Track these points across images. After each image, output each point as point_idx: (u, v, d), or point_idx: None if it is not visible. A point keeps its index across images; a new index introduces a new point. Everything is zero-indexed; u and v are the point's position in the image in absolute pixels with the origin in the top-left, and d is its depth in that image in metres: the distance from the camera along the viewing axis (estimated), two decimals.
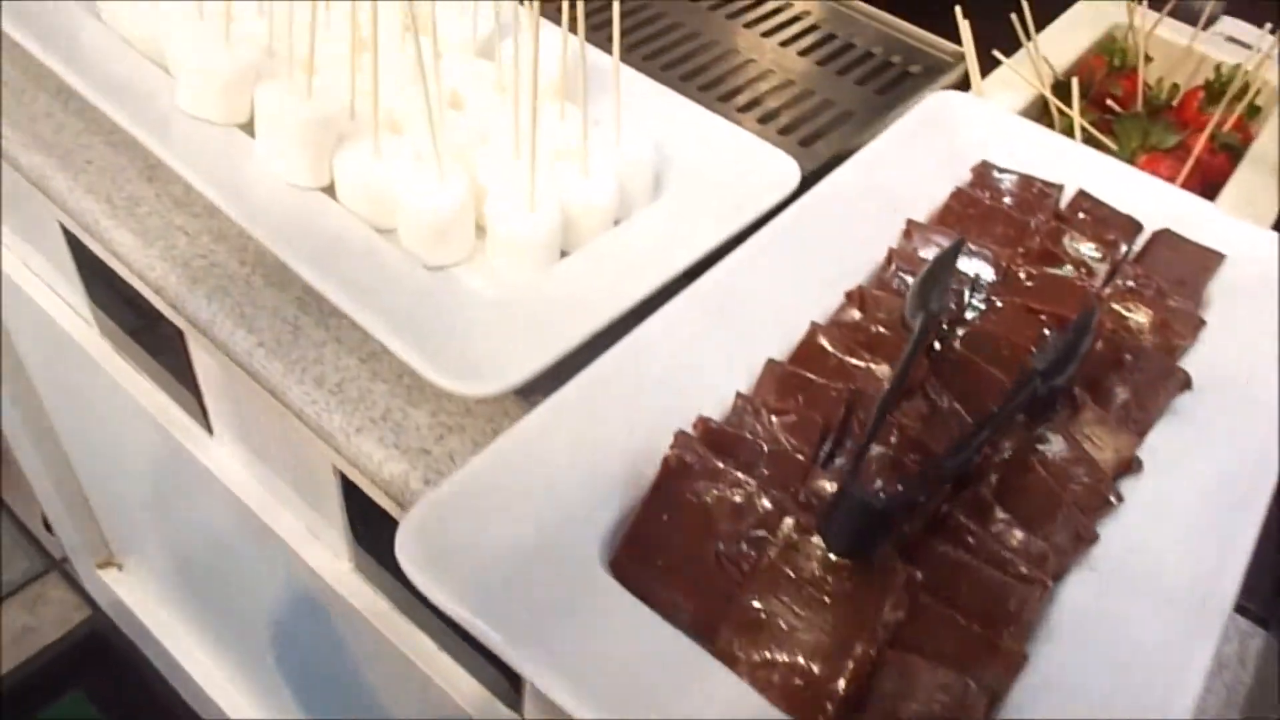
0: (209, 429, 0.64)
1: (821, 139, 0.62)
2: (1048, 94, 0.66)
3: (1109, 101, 0.68)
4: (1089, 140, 0.64)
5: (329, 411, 0.45)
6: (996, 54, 0.67)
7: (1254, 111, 0.69)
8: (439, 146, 0.47)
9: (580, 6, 0.47)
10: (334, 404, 0.45)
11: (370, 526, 0.54)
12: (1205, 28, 0.72)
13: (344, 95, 0.50)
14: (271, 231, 0.46)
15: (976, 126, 0.57)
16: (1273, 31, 0.70)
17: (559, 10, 0.46)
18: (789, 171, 0.52)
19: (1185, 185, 0.61)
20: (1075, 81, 0.61)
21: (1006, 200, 0.53)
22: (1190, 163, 0.60)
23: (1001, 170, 0.54)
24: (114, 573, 1.10)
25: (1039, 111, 0.68)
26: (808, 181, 0.52)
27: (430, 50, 0.51)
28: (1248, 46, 0.74)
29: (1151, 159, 0.63)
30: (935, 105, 0.57)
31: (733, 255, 0.47)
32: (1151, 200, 0.54)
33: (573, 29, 0.48)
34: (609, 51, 0.49)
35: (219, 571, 0.82)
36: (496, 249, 0.48)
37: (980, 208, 0.52)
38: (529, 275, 0.48)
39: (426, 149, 0.48)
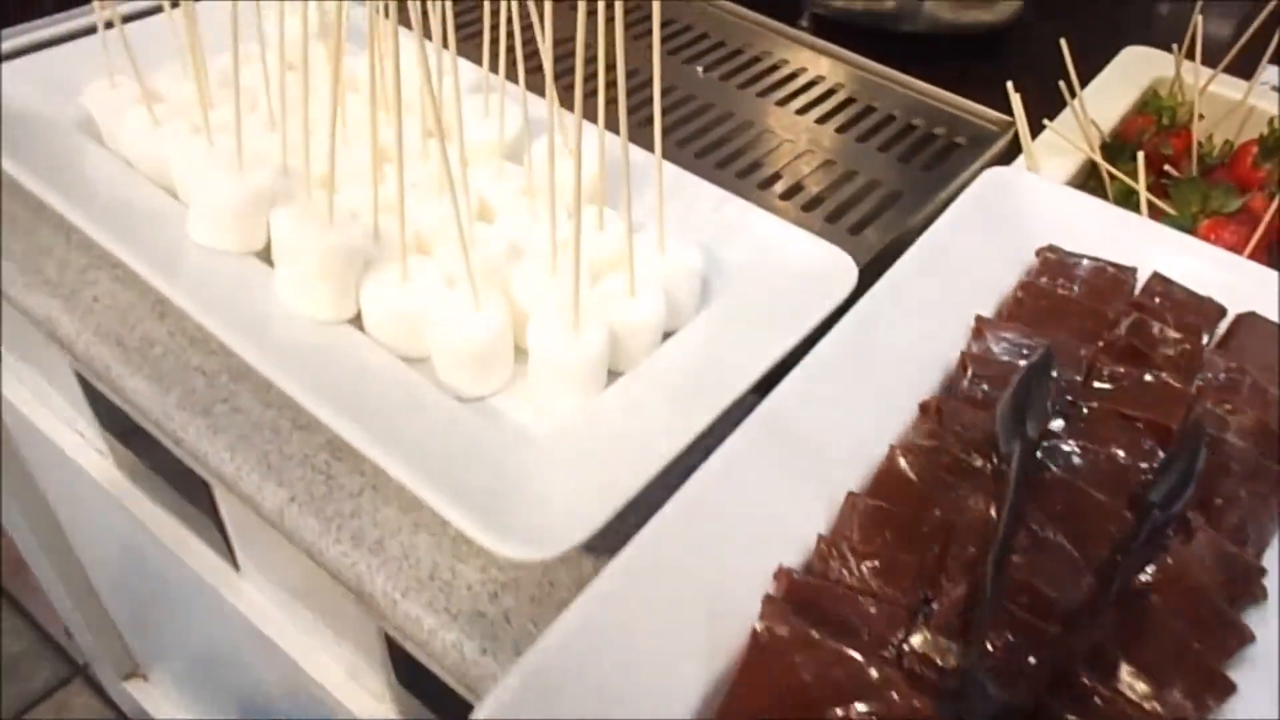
0: (235, 566, 0.60)
1: (871, 224, 0.58)
2: (1099, 160, 0.62)
3: (1165, 166, 0.65)
4: (1149, 208, 0.61)
5: (371, 573, 0.41)
6: (1042, 120, 0.64)
7: None
8: (471, 267, 0.44)
9: (623, 102, 0.44)
10: (376, 565, 0.41)
11: (415, 670, 0.51)
12: (1250, 78, 0.69)
13: (366, 214, 0.47)
14: (294, 376, 0.42)
15: (1035, 205, 0.54)
16: None
17: (592, 104, 0.43)
18: (845, 269, 0.49)
19: (1253, 252, 0.58)
20: (1141, 157, 0.57)
21: (1078, 289, 0.49)
22: (1261, 230, 0.57)
23: (1069, 255, 0.51)
24: (139, 683, 1.05)
25: (1087, 174, 0.65)
26: (864, 274, 0.49)
27: (457, 159, 0.48)
28: None
29: (1214, 225, 0.60)
30: (990, 184, 0.54)
31: (794, 374, 0.43)
32: (1225, 276, 0.51)
33: (611, 125, 0.44)
34: (640, 142, 0.46)
35: (248, 689, 0.78)
36: (540, 376, 0.45)
37: (1052, 299, 0.49)
38: (576, 402, 0.44)
39: (458, 270, 0.45)
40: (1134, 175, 0.64)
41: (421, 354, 0.46)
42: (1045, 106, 0.63)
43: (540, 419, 0.44)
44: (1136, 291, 0.50)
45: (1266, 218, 0.57)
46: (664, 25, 0.75)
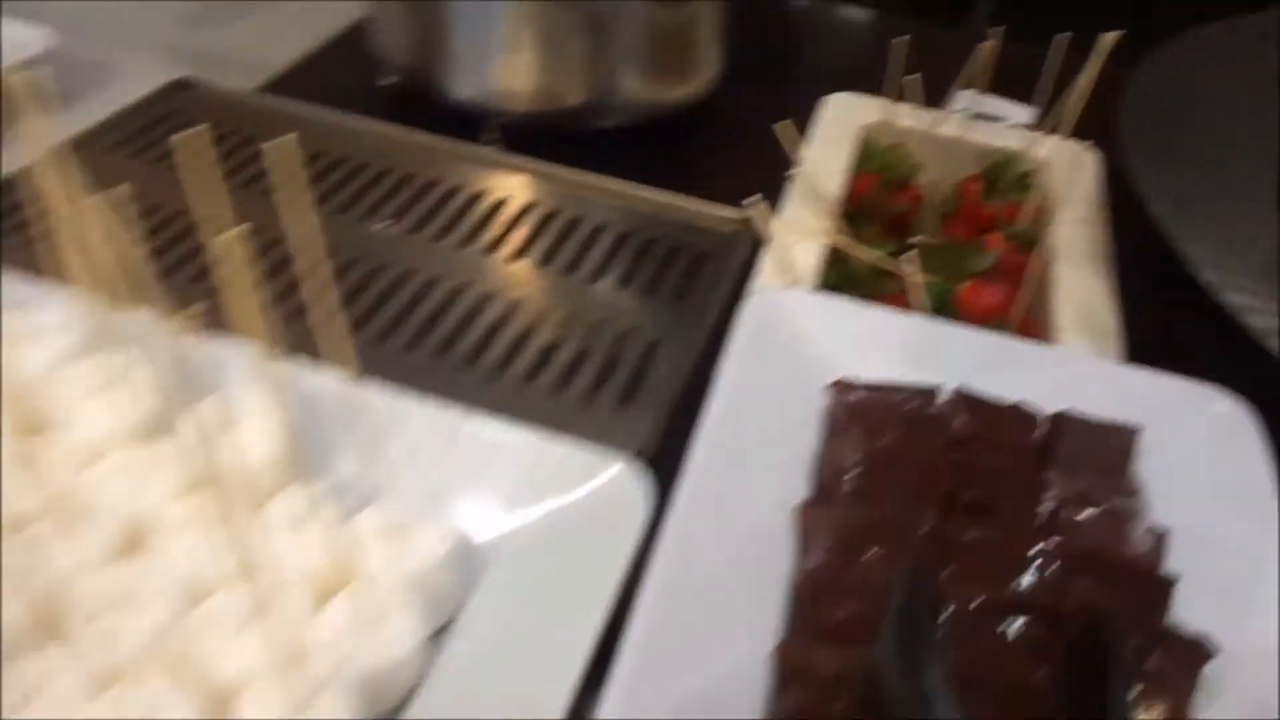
0: None
1: (642, 388, 0.48)
2: (849, 244, 0.57)
3: (907, 229, 0.61)
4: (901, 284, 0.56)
5: None
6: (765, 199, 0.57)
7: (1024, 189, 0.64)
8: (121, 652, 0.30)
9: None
10: None
11: None
12: (942, 107, 0.67)
13: None
14: None
15: (814, 329, 0.47)
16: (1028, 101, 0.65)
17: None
18: (633, 496, 0.39)
19: (1019, 313, 0.54)
20: (916, 256, 0.52)
21: (889, 436, 0.42)
22: (1027, 288, 0.53)
23: (866, 390, 0.44)
24: None
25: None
26: (658, 459, 0.40)
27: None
28: (995, 119, 0.70)
29: (973, 289, 0.56)
30: (758, 324, 0.46)
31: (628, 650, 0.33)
32: (1004, 359, 0.47)
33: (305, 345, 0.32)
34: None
35: None
36: None
37: (866, 461, 0.42)
38: None
39: (104, 661, 0.31)
40: (876, 244, 0.59)
41: None
42: (767, 175, 0.57)
43: None
44: (941, 410, 0.44)
45: (1030, 275, 0.53)
46: (318, 168, 0.62)
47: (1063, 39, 0.59)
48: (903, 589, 0.34)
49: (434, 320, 0.51)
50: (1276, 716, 0.34)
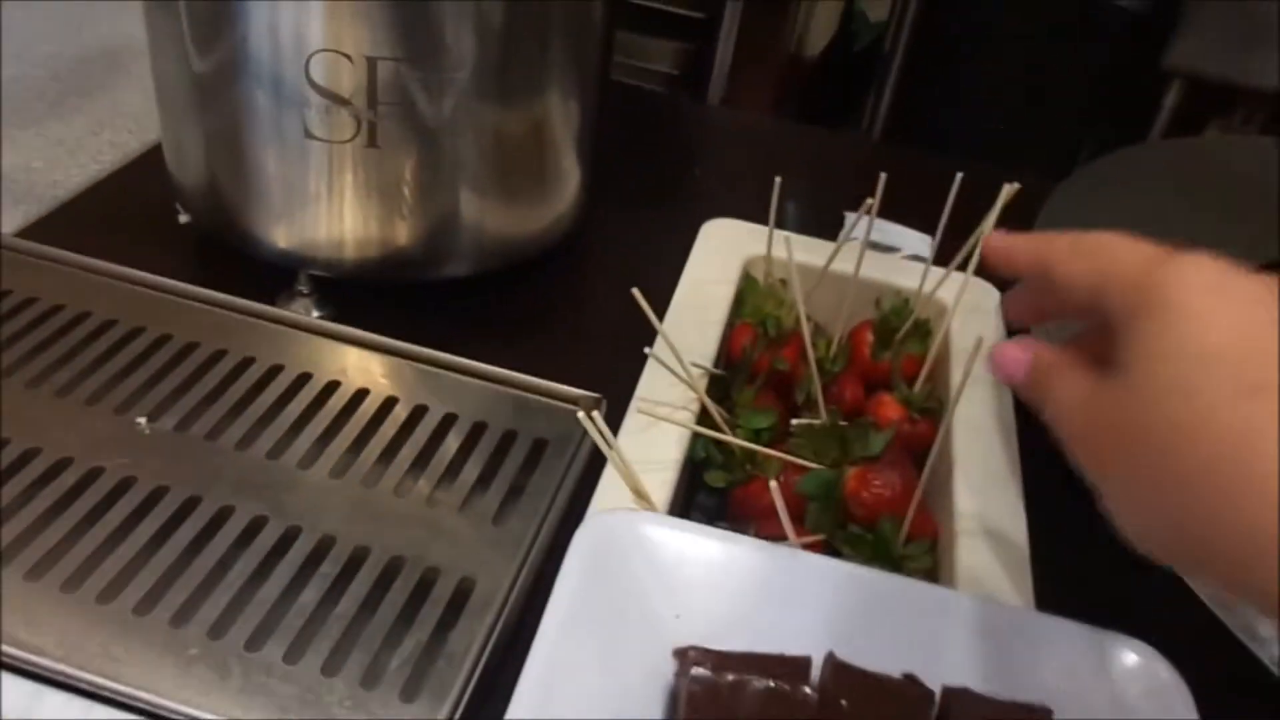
0: None
1: (441, 652, 0.38)
2: (711, 429, 0.48)
3: (790, 396, 0.52)
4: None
5: None
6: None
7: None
8: None
9: None
10: None
11: None
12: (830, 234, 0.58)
13: None
14: None
15: (654, 566, 0.38)
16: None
17: None
18: None
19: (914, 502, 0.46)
20: (776, 488, 0.42)
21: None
22: (922, 477, 0.45)
23: (717, 660, 0.35)
24: None
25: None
26: None
27: None
28: (891, 249, 0.62)
29: (860, 476, 0.47)
30: (587, 554, 0.37)
31: None
32: (887, 603, 0.38)
33: None
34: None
35: None
36: None
37: None
38: None
39: None
40: (752, 418, 0.51)
41: None
42: (634, 326, 0.48)
43: None
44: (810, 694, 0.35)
45: (931, 461, 0.45)
46: (79, 335, 0.51)
47: (959, 178, 0.51)
48: None
49: (182, 563, 0.40)
50: None
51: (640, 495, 0.41)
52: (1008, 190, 0.48)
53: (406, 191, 0.54)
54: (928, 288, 0.56)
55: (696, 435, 0.48)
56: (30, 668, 0.35)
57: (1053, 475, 0.45)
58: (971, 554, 0.43)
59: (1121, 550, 0.29)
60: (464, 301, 0.58)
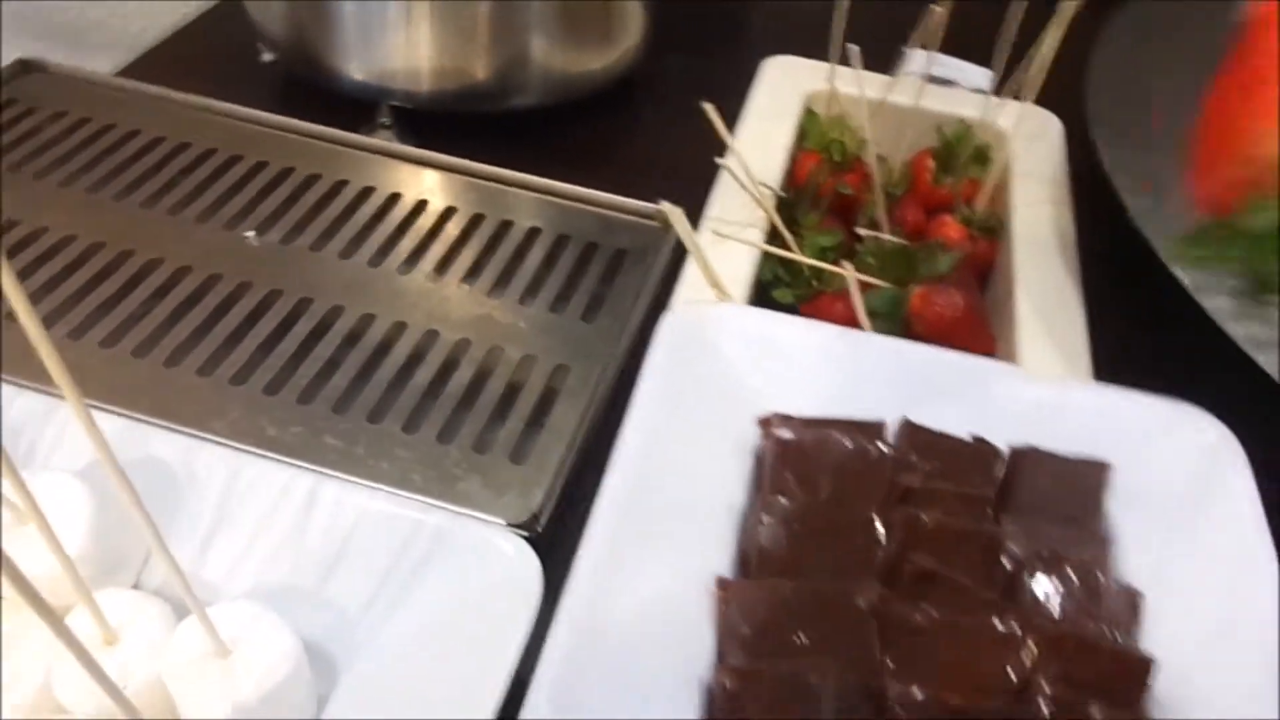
0: None
1: (544, 427, 0.42)
2: (780, 248, 0.50)
3: (855, 220, 0.54)
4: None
5: None
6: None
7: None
8: None
9: None
10: None
11: None
12: (891, 71, 0.59)
13: None
14: None
15: (735, 350, 0.41)
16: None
17: None
18: (526, 574, 0.33)
19: (977, 319, 0.49)
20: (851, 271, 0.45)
21: (823, 488, 0.37)
22: (987, 292, 0.47)
23: (801, 426, 0.38)
24: None
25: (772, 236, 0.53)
26: (557, 527, 0.34)
27: None
28: (950, 83, 0.63)
29: (926, 296, 0.50)
30: (674, 338, 0.40)
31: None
32: (958, 380, 0.41)
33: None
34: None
35: None
36: None
37: (798, 510, 0.36)
38: None
39: None
40: (818, 239, 0.53)
41: None
42: (701, 155, 0.50)
43: None
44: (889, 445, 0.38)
45: (993, 277, 0.47)
46: (183, 162, 0.54)
47: (1019, 5, 0.52)
48: (832, 700, 0.29)
49: (303, 351, 0.44)
50: None
51: (719, 289, 0.44)
52: (1067, 8, 0.49)
53: (479, 25, 0.56)
54: (988, 115, 0.57)
55: (766, 255, 0.50)
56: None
57: (1115, 296, 0.48)
58: (1033, 361, 0.45)
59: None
60: (535, 133, 0.60)
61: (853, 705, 0.30)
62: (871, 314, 0.50)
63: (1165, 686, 0.33)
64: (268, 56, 0.59)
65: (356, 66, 0.57)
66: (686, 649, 0.32)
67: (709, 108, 0.47)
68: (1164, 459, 0.38)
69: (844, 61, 0.57)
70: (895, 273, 0.51)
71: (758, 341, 0.41)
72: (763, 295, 0.52)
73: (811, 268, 0.52)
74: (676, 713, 0.31)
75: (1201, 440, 0.39)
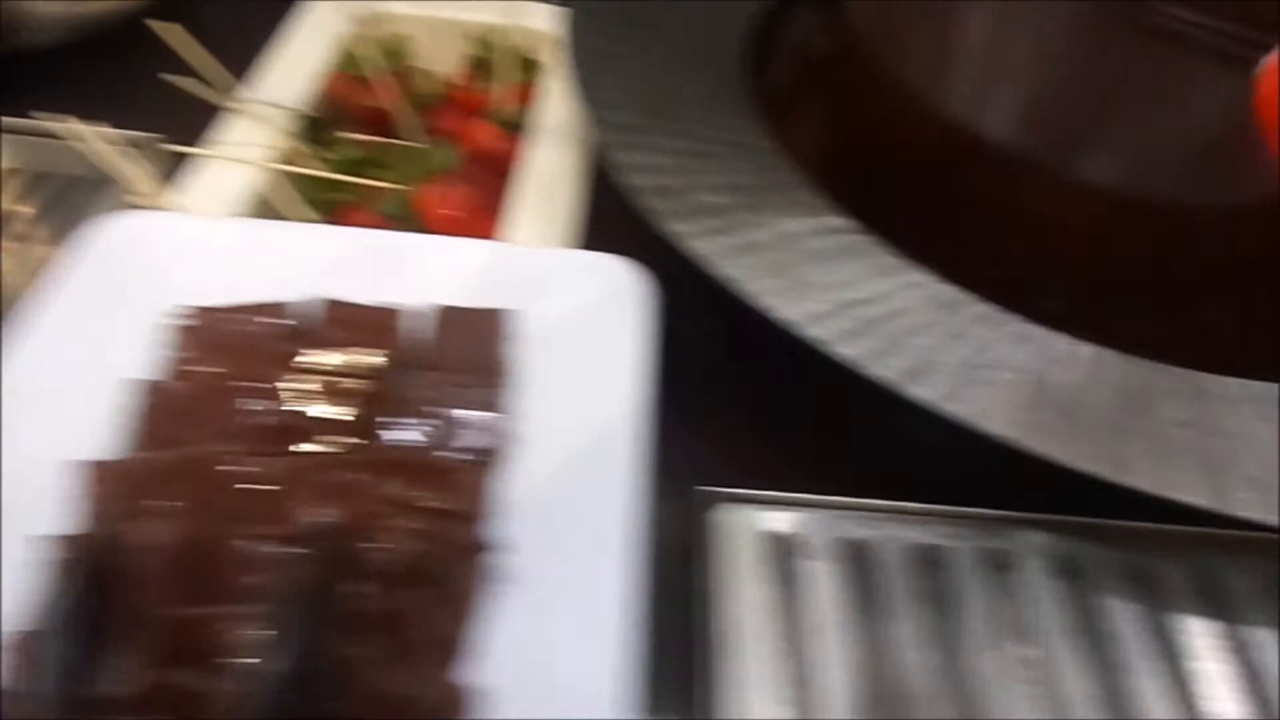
0: None
1: None
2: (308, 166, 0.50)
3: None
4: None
5: None
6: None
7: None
8: None
9: None
10: None
11: None
12: None
13: None
14: None
15: (165, 255, 0.40)
16: None
17: None
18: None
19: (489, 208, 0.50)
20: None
21: (223, 357, 0.37)
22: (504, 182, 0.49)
23: (204, 313, 0.38)
24: None
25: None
26: None
27: None
28: None
29: (433, 192, 0.51)
30: (94, 246, 0.39)
31: None
32: (388, 257, 0.41)
33: None
34: None
35: None
36: None
37: (190, 386, 0.36)
38: None
39: None
40: (347, 153, 0.54)
41: None
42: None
43: None
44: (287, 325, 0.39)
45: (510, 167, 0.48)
46: None
47: None
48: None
49: None
50: None
51: (148, 196, 0.44)
52: None
53: None
54: (521, 20, 0.59)
55: (295, 175, 0.50)
56: None
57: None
58: (524, 236, 0.46)
59: None
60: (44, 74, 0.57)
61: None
62: (388, 217, 0.51)
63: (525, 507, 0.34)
64: None
65: None
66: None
67: (159, 25, 0.47)
68: (576, 302, 0.40)
69: None
70: (403, 174, 0.52)
71: (185, 245, 0.41)
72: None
73: (335, 182, 0.53)
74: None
75: (609, 283, 0.40)
